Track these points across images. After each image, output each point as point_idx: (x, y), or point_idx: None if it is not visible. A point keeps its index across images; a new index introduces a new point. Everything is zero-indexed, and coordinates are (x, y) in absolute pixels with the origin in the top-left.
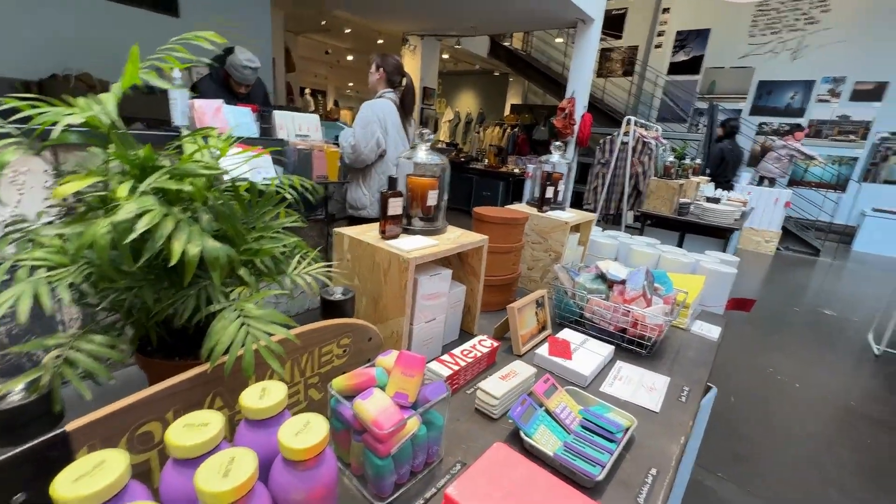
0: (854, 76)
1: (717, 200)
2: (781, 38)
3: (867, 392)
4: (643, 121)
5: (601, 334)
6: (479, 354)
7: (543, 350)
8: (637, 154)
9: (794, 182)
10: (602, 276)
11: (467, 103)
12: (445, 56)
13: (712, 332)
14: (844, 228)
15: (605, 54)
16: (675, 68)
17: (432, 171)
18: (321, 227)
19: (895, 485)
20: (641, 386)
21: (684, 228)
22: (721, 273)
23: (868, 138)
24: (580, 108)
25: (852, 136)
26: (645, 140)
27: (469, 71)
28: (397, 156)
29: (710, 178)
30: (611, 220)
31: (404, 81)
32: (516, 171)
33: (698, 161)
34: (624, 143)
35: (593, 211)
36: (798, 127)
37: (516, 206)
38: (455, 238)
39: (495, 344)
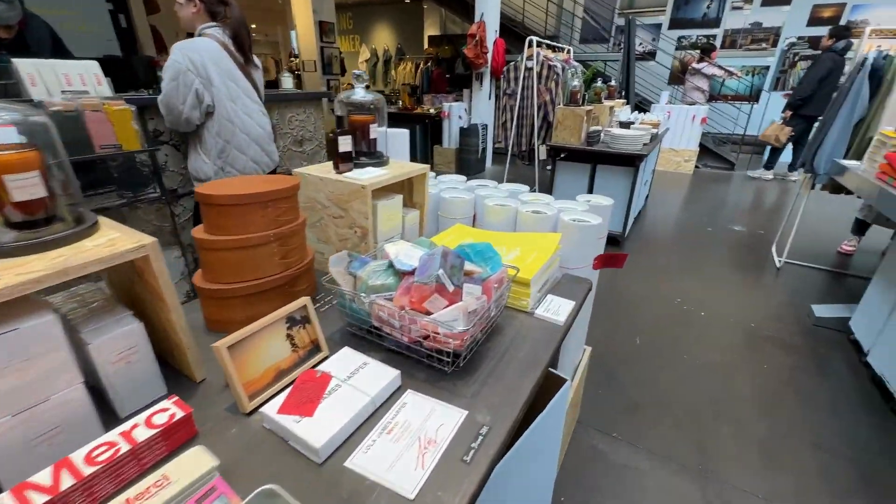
0: None
1: (629, 125)
2: None
3: (767, 311)
4: (550, 41)
5: (400, 349)
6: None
7: (274, 405)
8: (543, 80)
9: (711, 97)
10: (392, 266)
11: (384, 39)
12: None
13: (561, 311)
14: (756, 139)
15: None
16: None
17: (369, 108)
18: (161, 208)
19: (786, 411)
20: (417, 439)
21: (595, 160)
22: (584, 227)
23: (778, 45)
24: (492, 34)
25: (764, 45)
26: (550, 64)
27: (380, 0)
28: (239, 111)
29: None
30: (525, 157)
31: (230, 12)
32: (432, 111)
33: (612, 83)
34: (529, 70)
35: (504, 149)
36: (712, 47)
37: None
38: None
39: (182, 413)
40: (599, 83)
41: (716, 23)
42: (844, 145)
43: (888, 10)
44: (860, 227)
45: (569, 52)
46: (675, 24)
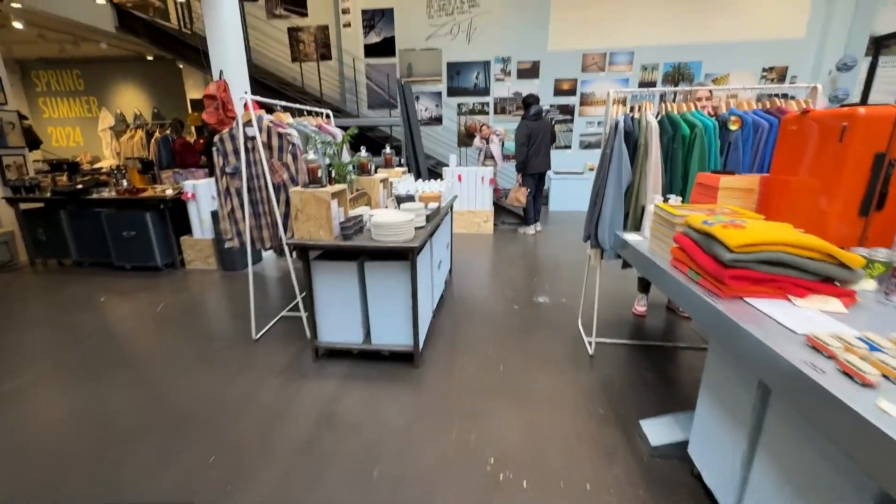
0: (516, 56)
1: (409, 199)
2: (454, 19)
3: (596, 444)
4: (279, 102)
5: None
6: None
7: None
8: (276, 153)
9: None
10: None
11: (134, 101)
12: (19, 26)
13: None
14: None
15: (294, 34)
16: (371, 50)
17: None
18: None
19: None
20: None
21: (360, 255)
22: None
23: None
24: (239, 94)
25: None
26: (281, 132)
27: (132, 57)
28: None
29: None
30: (279, 253)
31: None
32: (169, 192)
33: (388, 151)
34: (252, 139)
35: (239, 247)
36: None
37: None
38: None
39: None
40: (363, 152)
41: (486, 91)
42: (621, 214)
43: (608, 84)
44: (645, 285)
45: (327, 116)
46: (452, 91)
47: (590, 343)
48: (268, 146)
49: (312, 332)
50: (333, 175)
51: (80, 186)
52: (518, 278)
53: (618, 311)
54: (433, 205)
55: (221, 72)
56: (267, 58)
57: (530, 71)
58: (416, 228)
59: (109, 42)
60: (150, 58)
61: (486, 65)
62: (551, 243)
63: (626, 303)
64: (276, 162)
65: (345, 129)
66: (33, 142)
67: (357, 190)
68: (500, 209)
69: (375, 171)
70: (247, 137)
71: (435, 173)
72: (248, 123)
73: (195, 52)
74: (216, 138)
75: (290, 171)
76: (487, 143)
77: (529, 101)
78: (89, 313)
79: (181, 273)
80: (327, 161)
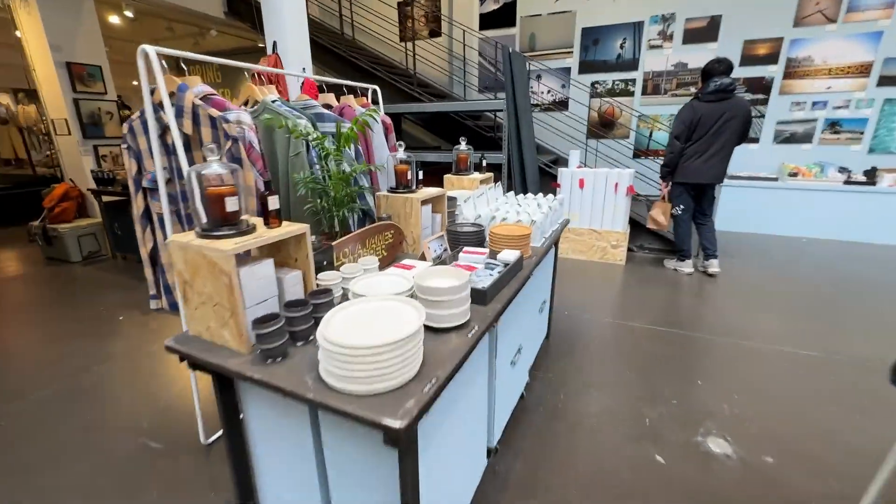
0: (684, 11)
1: (476, 238)
2: None
3: None
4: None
5: None
6: None
7: None
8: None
9: (639, 152)
10: None
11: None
12: (129, 14)
13: None
14: None
15: (403, 10)
16: (487, 21)
17: None
18: None
19: None
20: None
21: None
22: None
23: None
24: (297, 67)
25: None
26: (215, 115)
27: (252, 48)
28: None
29: (667, 168)
30: None
31: None
32: None
33: (462, 148)
34: (165, 128)
35: (168, 309)
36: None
37: None
38: None
39: None
40: (463, 145)
41: (633, 65)
42: None
43: (841, 43)
44: None
45: (374, 92)
46: (586, 66)
47: None
48: (197, 139)
49: (240, 491)
50: (325, 196)
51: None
52: (662, 378)
53: None
54: (508, 255)
55: (275, 44)
56: (372, 37)
57: (705, 31)
58: (435, 332)
59: (219, 29)
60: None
61: (637, 27)
62: (733, 300)
63: None
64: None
65: (397, 115)
66: None
67: (382, 217)
68: (639, 226)
69: (418, 184)
70: (165, 126)
71: (548, 172)
72: (158, 105)
73: (322, 48)
74: (124, 128)
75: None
76: None
77: (712, 70)
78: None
79: None
80: (318, 168)
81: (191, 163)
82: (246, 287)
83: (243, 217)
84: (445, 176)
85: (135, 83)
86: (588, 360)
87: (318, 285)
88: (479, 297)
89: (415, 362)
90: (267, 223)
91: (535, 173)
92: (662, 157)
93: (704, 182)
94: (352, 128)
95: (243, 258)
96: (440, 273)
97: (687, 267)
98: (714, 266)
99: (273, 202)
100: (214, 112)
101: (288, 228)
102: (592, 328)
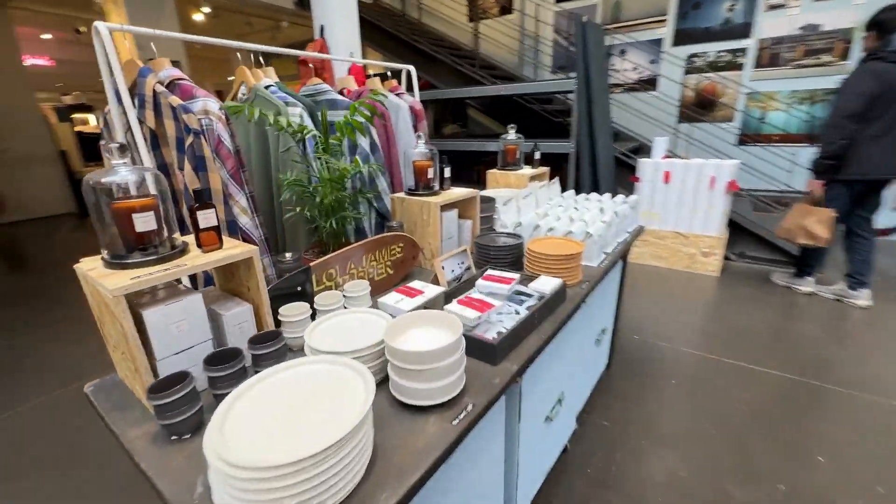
0: None
1: (507, 260)
2: None
3: None
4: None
5: None
6: None
7: None
8: (175, 150)
9: (743, 137)
10: None
11: None
12: (207, 10)
13: None
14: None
15: None
16: None
17: None
18: None
19: None
20: None
21: None
22: None
23: (850, 56)
24: (344, 52)
25: (826, 57)
26: (176, 105)
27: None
28: None
29: (827, 158)
30: None
31: None
32: None
33: (511, 137)
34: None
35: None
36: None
37: None
38: None
39: None
40: (512, 133)
41: (744, 31)
42: None
43: None
44: None
45: (408, 74)
46: (682, 37)
47: None
48: (164, 135)
49: None
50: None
51: None
52: (762, 445)
53: None
54: (545, 283)
55: (322, 28)
56: (440, 20)
57: None
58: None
59: (290, 20)
60: None
61: None
62: (884, 341)
63: None
64: (179, 171)
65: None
66: None
67: (392, 226)
68: (740, 230)
69: (443, 184)
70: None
71: (626, 163)
72: (132, 89)
73: (382, 32)
74: (100, 122)
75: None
76: None
77: (891, 21)
78: None
79: None
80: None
81: (159, 163)
82: (157, 333)
83: (175, 236)
84: (488, 172)
85: (225, 79)
86: (658, 405)
87: (279, 322)
88: (486, 352)
89: (349, 478)
90: (200, 245)
91: (608, 165)
92: (776, 144)
93: (884, 177)
94: (347, 116)
95: (172, 291)
96: (426, 320)
97: (806, 285)
98: (863, 297)
99: (206, 218)
100: (175, 101)
101: (220, 255)
102: (669, 361)
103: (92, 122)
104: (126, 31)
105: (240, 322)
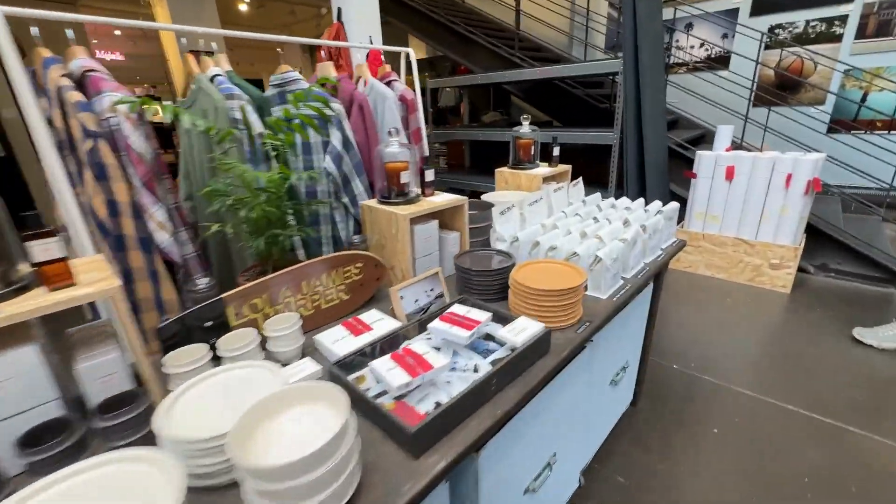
0: None
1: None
2: None
3: None
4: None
5: None
6: None
7: None
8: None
9: (836, 124)
10: None
11: None
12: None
13: None
14: None
15: None
16: None
17: None
18: None
19: None
20: None
21: None
22: None
23: None
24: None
25: None
26: (70, 100)
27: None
28: None
29: None
30: None
31: None
32: None
33: (524, 130)
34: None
35: None
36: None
37: None
38: None
39: None
40: (525, 126)
41: None
42: None
43: None
44: None
45: (407, 58)
46: (761, 7)
47: None
48: (66, 137)
49: None
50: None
51: None
52: None
53: None
54: (521, 329)
55: (339, 11)
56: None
57: None
58: None
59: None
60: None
61: None
62: None
63: None
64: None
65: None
66: None
67: (354, 241)
68: (823, 237)
69: (425, 190)
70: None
71: (682, 156)
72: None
73: (417, 14)
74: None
75: (109, 205)
76: None
77: None
78: None
79: None
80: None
81: (76, 167)
82: None
83: (19, 267)
84: (497, 171)
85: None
86: (693, 460)
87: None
88: (404, 440)
89: None
90: (49, 283)
91: (659, 158)
92: (879, 131)
93: None
94: (286, 109)
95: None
96: (307, 396)
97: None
98: None
99: (45, 250)
100: (73, 97)
101: (63, 296)
102: (713, 401)
103: None
104: (21, 14)
105: (104, 375)
